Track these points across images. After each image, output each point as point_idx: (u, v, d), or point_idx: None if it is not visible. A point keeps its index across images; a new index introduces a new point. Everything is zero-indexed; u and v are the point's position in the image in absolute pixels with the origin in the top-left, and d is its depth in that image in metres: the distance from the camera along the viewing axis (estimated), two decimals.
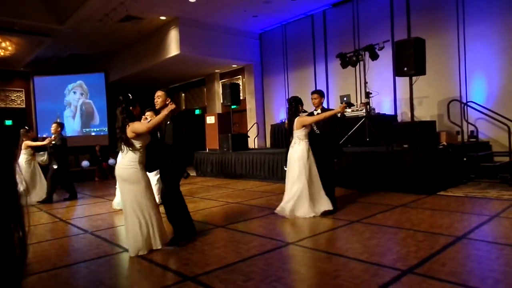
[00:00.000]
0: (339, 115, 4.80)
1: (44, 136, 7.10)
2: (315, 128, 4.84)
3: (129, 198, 3.43)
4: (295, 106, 4.78)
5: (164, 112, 3.51)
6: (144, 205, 3.43)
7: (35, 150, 7.21)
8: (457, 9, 8.22)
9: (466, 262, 2.88)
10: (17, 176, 0.63)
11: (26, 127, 7.48)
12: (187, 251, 3.47)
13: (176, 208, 3.74)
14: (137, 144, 3.47)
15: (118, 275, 3.10)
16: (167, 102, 3.73)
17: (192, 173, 10.83)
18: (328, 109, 5.06)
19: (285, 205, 4.61)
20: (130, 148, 3.44)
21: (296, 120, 4.69)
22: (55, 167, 7.04)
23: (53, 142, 7.04)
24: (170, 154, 3.71)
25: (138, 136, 3.45)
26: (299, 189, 4.54)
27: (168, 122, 3.71)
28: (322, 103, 4.96)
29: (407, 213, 4.54)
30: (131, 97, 3.59)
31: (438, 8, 8.52)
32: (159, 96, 3.73)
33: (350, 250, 3.24)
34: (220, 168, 9.66)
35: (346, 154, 6.71)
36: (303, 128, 4.66)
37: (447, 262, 2.80)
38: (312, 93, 5.03)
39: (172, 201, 3.73)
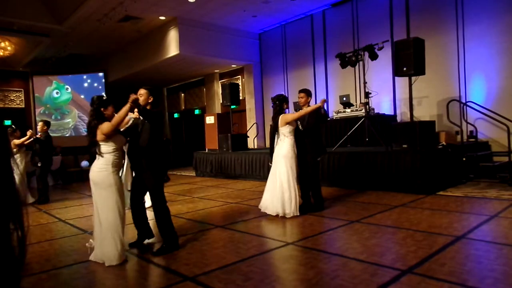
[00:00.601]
0: (322, 111, 4.89)
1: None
2: (299, 125, 4.94)
3: (102, 203, 3.30)
4: (279, 104, 4.90)
5: (126, 105, 3.26)
6: (116, 211, 3.28)
7: (25, 147, 7.13)
8: (456, 9, 8.23)
9: (465, 262, 2.88)
10: (15, 176, 0.63)
11: (13, 126, 7.46)
12: (187, 251, 3.47)
13: (165, 216, 3.61)
14: (110, 146, 3.33)
15: (117, 276, 3.10)
16: (149, 100, 3.60)
17: (192, 173, 10.83)
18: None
19: (276, 204, 4.65)
20: (98, 153, 3.31)
21: (280, 117, 4.80)
22: (39, 165, 6.98)
23: (36, 136, 6.96)
24: (145, 156, 3.57)
25: (108, 137, 3.31)
26: (289, 188, 4.63)
27: (146, 122, 3.57)
28: (308, 102, 5.08)
29: (407, 213, 4.54)
30: (104, 98, 3.46)
31: (437, 9, 8.53)
32: (141, 95, 3.59)
33: (350, 250, 3.24)
34: (220, 168, 9.66)
35: (346, 154, 6.74)
36: (287, 125, 4.76)
37: (446, 262, 2.80)
38: (299, 92, 5.14)
39: (161, 208, 3.60)
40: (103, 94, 3.38)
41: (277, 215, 4.67)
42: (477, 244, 3.30)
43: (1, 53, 12.14)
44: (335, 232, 3.94)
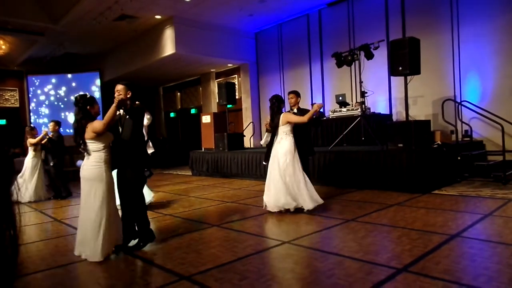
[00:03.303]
0: (314, 116, 4.94)
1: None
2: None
3: (90, 198, 3.33)
4: (277, 104, 4.97)
5: (113, 105, 3.35)
6: (106, 206, 3.33)
7: (40, 147, 7.23)
8: (451, 9, 8.27)
9: (459, 260, 2.90)
10: (10, 175, 0.63)
11: (31, 125, 7.74)
12: (183, 251, 3.46)
13: (143, 212, 3.67)
14: (100, 143, 3.37)
15: (113, 275, 3.09)
16: (127, 96, 3.58)
17: (188, 173, 10.81)
18: (305, 109, 5.29)
19: (289, 201, 4.64)
20: (86, 151, 3.36)
21: (282, 116, 4.86)
22: (52, 164, 7.14)
23: (49, 135, 7.14)
24: (126, 151, 3.59)
25: (99, 135, 3.35)
26: (300, 181, 4.67)
27: (127, 117, 3.57)
28: (298, 102, 5.26)
29: (402, 211, 4.56)
30: (88, 96, 3.51)
31: (432, 8, 8.57)
32: (118, 91, 3.56)
33: (345, 249, 3.25)
34: (216, 168, 9.65)
35: (342, 153, 6.77)
36: (288, 123, 4.83)
37: (441, 260, 2.82)
38: (289, 93, 5.31)
39: (134, 202, 3.62)
40: (87, 93, 3.45)
41: (276, 215, 4.68)
42: (472, 243, 3.32)
43: None
44: (331, 231, 3.95)
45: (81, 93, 3.68)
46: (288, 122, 4.82)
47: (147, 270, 3.15)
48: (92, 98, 3.54)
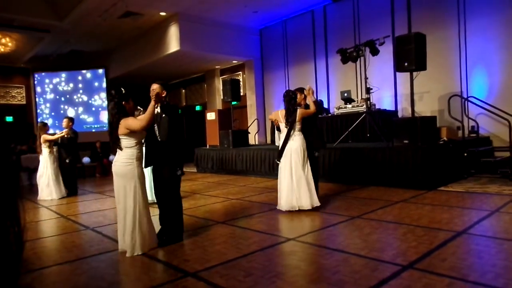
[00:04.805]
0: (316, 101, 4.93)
1: (59, 131, 7.37)
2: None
3: (124, 195, 3.37)
4: (294, 98, 4.89)
5: (151, 105, 3.39)
6: (138, 203, 3.36)
7: (52, 143, 7.24)
8: (458, 3, 8.17)
9: (466, 257, 2.88)
10: (17, 172, 0.63)
11: (43, 121, 7.74)
12: (188, 247, 3.48)
13: (178, 210, 3.72)
14: (132, 140, 3.37)
15: (119, 271, 3.11)
16: (163, 95, 3.62)
17: (193, 170, 10.84)
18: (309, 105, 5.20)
19: (294, 200, 4.64)
20: (120, 146, 3.37)
21: (299, 112, 4.77)
22: (67, 161, 7.24)
23: (71, 135, 7.22)
24: (164, 149, 3.62)
25: (132, 132, 3.34)
26: (304, 180, 4.64)
27: (163, 115, 3.61)
28: (303, 98, 5.16)
29: (407, 208, 4.54)
30: (123, 91, 3.48)
31: (439, 3, 8.48)
32: (154, 89, 3.61)
33: (351, 246, 3.24)
34: (221, 165, 9.67)
35: (347, 150, 6.74)
36: (300, 120, 4.79)
37: (447, 257, 2.80)
38: (294, 90, 5.20)
39: (175, 202, 3.70)
40: (122, 88, 3.39)
41: (281, 212, 4.69)
42: (478, 239, 3.29)
43: (2, 49, 12.14)
44: (336, 227, 3.94)
45: (118, 88, 3.61)
46: (303, 118, 4.77)
47: (152, 267, 3.17)
48: (128, 93, 3.52)
